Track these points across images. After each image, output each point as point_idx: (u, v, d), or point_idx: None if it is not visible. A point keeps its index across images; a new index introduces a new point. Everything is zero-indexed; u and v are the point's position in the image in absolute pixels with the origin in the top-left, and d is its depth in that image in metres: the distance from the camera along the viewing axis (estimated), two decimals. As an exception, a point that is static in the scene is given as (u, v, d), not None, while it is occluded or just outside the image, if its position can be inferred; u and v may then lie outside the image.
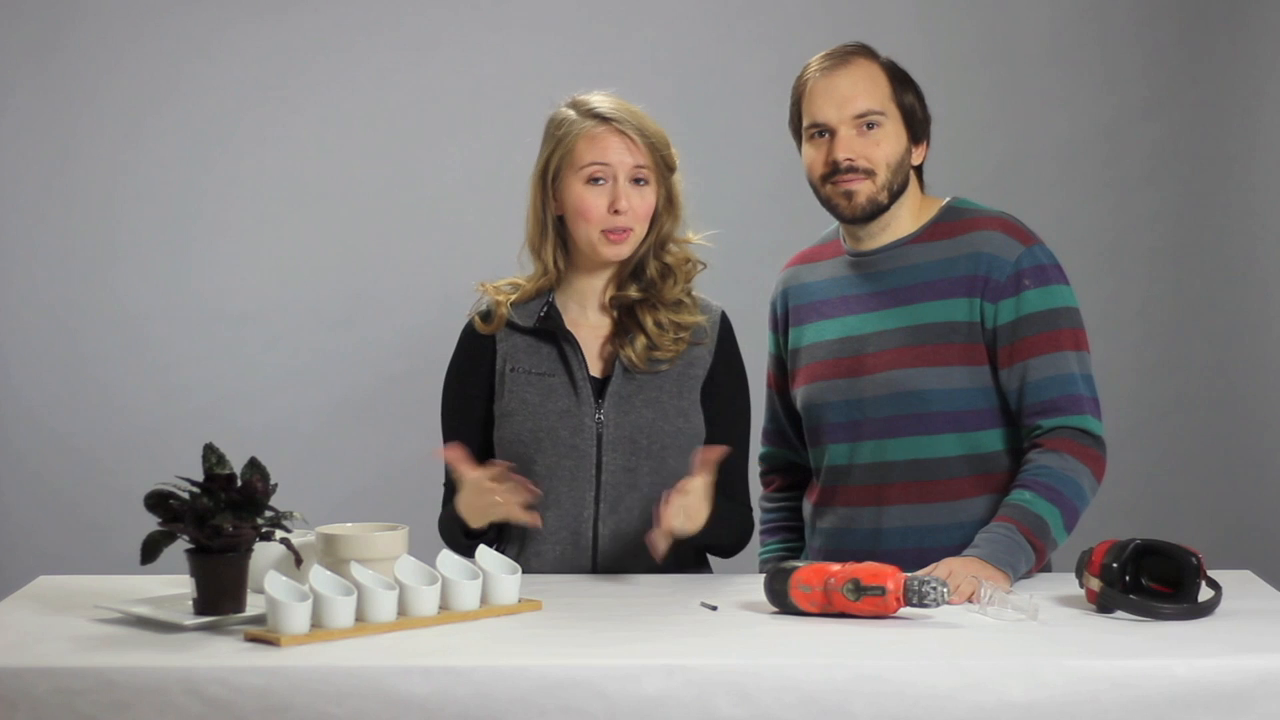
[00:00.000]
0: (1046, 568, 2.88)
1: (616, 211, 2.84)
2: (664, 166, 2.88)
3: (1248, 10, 4.56)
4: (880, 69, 2.90)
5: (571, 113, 2.89)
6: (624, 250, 2.87)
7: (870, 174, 2.87)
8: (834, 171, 2.87)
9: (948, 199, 2.97)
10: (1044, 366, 2.84)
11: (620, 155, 2.85)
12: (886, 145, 2.87)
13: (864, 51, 2.92)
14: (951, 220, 2.93)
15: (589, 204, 2.85)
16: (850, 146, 2.86)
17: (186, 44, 4.52)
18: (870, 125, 2.86)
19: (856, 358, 2.91)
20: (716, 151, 4.43)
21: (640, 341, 2.87)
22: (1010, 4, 4.58)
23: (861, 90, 2.87)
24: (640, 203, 2.86)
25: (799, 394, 3.00)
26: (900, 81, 2.91)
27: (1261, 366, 4.59)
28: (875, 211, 2.89)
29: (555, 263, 2.91)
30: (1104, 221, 4.55)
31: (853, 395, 2.91)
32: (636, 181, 2.86)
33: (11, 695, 2.20)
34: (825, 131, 2.88)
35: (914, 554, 2.79)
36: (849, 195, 2.88)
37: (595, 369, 2.90)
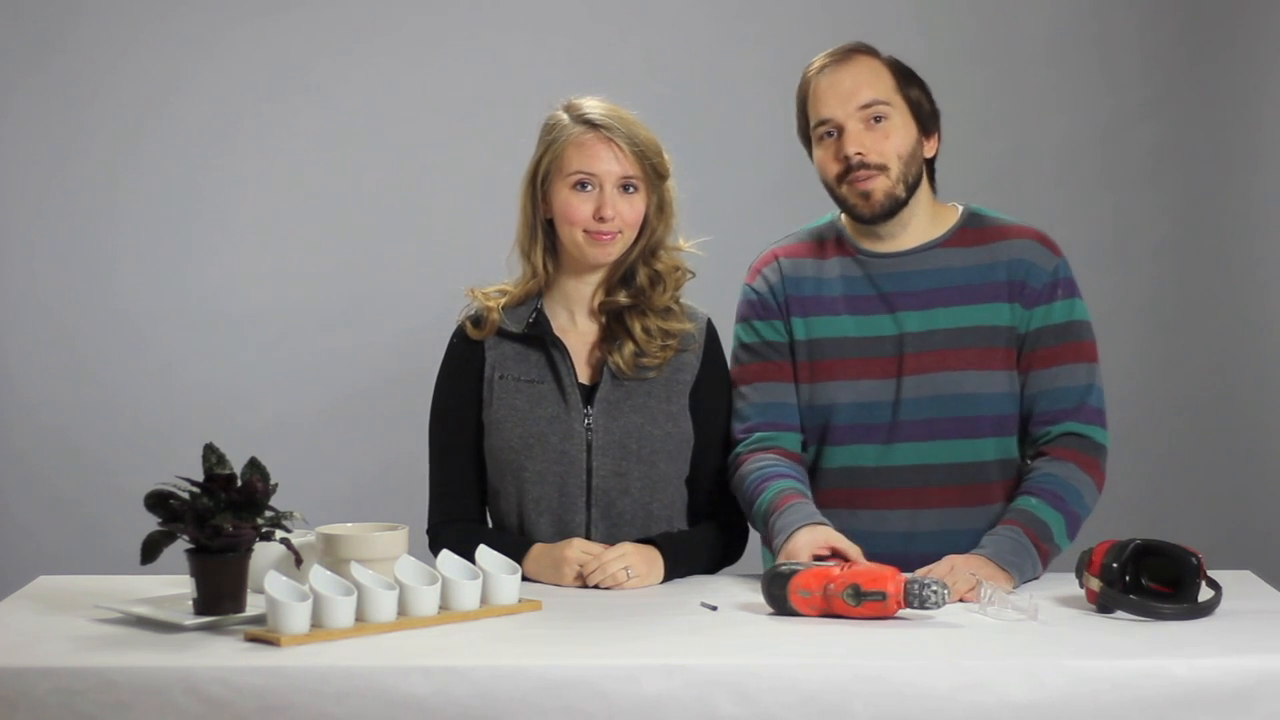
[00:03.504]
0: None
1: (602, 218, 2.83)
2: (654, 174, 2.87)
3: (1248, 10, 4.56)
4: (882, 64, 2.90)
5: (564, 116, 2.88)
6: (610, 252, 2.87)
7: (883, 168, 2.85)
8: (847, 170, 2.85)
9: (962, 205, 2.97)
10: (1063, 376, 2.86)
11: (607, 164, 2.84)
12: (896, 137, 2.85)
13: (865, 49, 2.91)
14: (979, 226, 2.93)
15: (574, 209, 2.84)
16: (860, 141, 2.84)
17: (187, 45, 4.52)
18: (877, 119, 2.85)
19: (892, 358, 2.88)
20: (715, 153, 4.43)
21: (628, 348, 2.87)
22: (1010, 4, 4.58)
23: (864, 82, 2.86)
24: (629, 210, 2.85)
25: (813, 389, 2.93)
26: (904, 76, 2.90)
27: (1261, 366, 4.59)
28: (894, 207, 2.87)
29: (544, 265, 2.90)
30: (1104, 222, 4.55)
31: (889, 396, 2.88)
32: (625, 189, 2.85)
33: (11, 695, 2.20)
34: (833, 130, 2.86)
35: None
36: (866, 195, 2.86)
37: (584, 375, 2.90)
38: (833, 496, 2.92)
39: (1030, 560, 2.73)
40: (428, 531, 2.91)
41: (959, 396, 2.86)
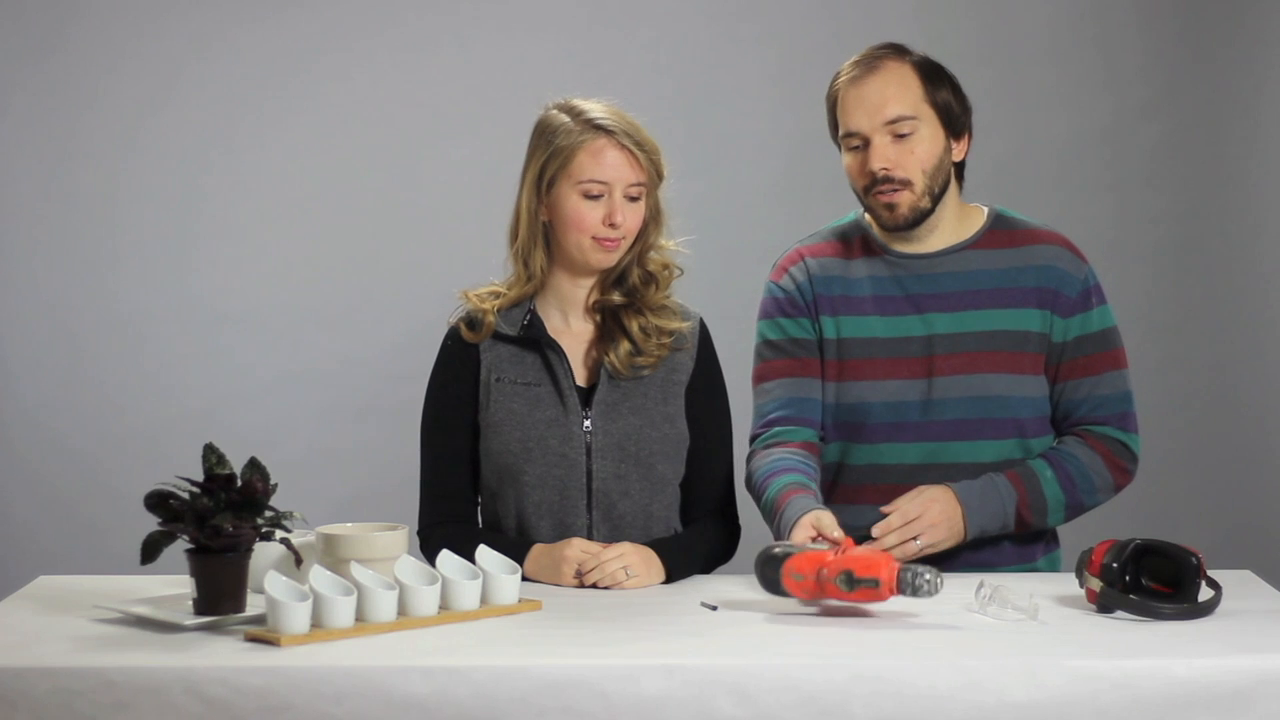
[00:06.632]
0: (1053, 564, 2.93)
1: (612, 225, 2.83)
2: (655, 178, 2.87)
3: (1248, 10, 4.56)
4: (911, 69, 2.88)
5: (567, 119, 2.85)
6: (614, 259, 2.86)
7: (907, 184, 2.85)
8: (873, 183, 2.86)
9: (987, 207, 2.97)
10: (1104, 384, 2.90)
11: (621, 171, 2.83)
12: (921, 151, 2.85)
13: (894, 53, 2.90)
14: (1006, 229, 2.94)
15: (585, 215, 2.83)
16: (885, 156, 2.84)
17: (186, 45, 4.52)
18: (904, 133, 2.84)
19: (921, 359, 2.89)
20: (715, 153, 4.43)
21: (624, 346, 2.86)
22: (1010, 4, 4.58)
23: (891, 95, 2.85)
24: (633, 218, 2.85)
25: (841, 388, 2.93)
26: (933, 79, 2.89)
27: (1261, 366, 4.59)
28: (919, 218, 2.88)
29: (540, 267, 2.90)
30: (1104, 222, 4.55)
31: (916, 395, 2.89)
32: (630, 197, 2.85)
33: (11, 695, 2.20)
34: (860, 143, 2.87)
35: (966, 554, 2.84)
36: (891, 207, 2.87)
37: (580, 377, 2.90)
38: (859, 494, 2.92)
39: (1002, 524, 2.82)
40: (419, 533, 2.91)
41: (988, 398, 2.87)
